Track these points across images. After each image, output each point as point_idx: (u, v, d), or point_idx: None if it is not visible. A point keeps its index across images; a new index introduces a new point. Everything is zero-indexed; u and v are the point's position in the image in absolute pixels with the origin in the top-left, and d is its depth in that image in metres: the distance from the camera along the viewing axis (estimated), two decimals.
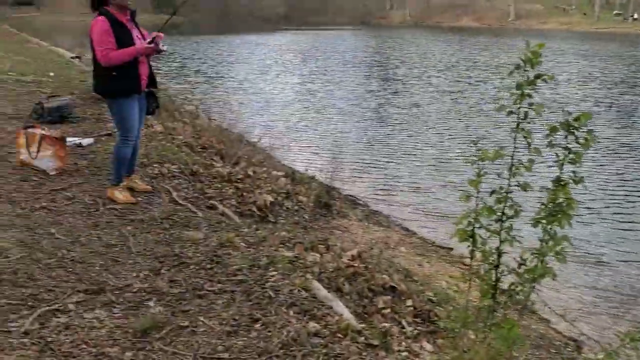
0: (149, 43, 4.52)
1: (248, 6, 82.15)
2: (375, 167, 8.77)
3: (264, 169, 7.08)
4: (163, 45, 4.60)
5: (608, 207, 7.40)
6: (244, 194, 5.94)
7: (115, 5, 4.42)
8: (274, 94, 15.72)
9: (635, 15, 72.93)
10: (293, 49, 33.96)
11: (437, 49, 34.14)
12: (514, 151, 2.67)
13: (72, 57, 14.19)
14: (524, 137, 2.62)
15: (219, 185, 5.96)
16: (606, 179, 8.43)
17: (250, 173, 6.53)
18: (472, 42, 41.80)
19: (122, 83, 4.44)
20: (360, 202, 7.04)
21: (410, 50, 32.90)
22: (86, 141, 6.36)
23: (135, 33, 4.55)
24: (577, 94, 16.39)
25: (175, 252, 3.82)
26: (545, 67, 2.60)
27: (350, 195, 7.23)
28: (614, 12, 76.00)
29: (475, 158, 2.71)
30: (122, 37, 4.37)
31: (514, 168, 2.67)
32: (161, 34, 4.57)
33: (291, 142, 9.53)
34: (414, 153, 9.69)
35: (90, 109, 8.17)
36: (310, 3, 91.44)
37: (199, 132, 8.19)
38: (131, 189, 4.98)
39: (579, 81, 19.21)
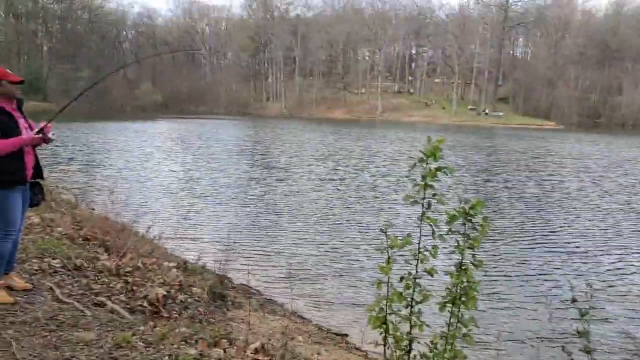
0: (37, 133, 4.34)
1: (123, 93, 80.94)
2: (265, 255, 8.74)
3: (154, 260, 6.79)
4: (53, 134, 4.43)
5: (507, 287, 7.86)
6: (134, 288, 5.63)
7: (2, 94, 4.23)
8: (158, 181, 15.36)
9: (487, 110, 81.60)
10: (174, 136, 33.81)
11: (314, 139, 35.60)
12: (420, 238, 2.83)
13: None
14: (430, 224, 2.79)
15: (106, 280, 5.62)
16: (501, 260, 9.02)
17: (140, 265, 6.24)
18: (346, 132, 44.18)
19: (5, 174, 4.16)
20: (254, 291, 6.93)
21: (289, 140, 34.03)
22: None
23: (22, 123, 4.34)
24: (447, 181, 17.69)
25: (66, 357, 3.50)
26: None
27: (244, 284, 7.09)
28: (469, 107, 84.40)
29: (384, 245, 2.83)
30: (9, 128, 4.17)
31: (420, 255, 2.82)
32: (49, 125, 4.40)
33: (179, 231, 9.26)
34: (304, 240, 9.81)
35: None
36: (188, 92, 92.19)
37: (79, 223, 7.75)
38: (9, 288, 4.55)
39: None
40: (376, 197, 14.05)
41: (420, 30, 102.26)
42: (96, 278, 5.60)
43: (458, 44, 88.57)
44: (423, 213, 2.81)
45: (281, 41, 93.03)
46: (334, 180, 16.93)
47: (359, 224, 11.06)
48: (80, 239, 6.76)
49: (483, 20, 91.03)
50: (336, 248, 9.43)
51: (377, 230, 10.01)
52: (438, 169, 2.77)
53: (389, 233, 2.83)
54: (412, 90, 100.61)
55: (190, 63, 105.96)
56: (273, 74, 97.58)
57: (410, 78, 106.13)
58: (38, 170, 4.54)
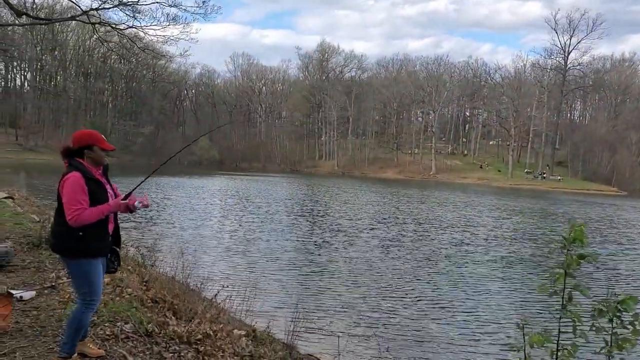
0: (123, 199, 4.21)
1: (181, 148, 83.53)
2: (335, 324, 8.33)
3: (222, 325, 6.55)
4: (139, 203, 4.27)
5: None
6: (205, 357, 5.39)
7: (90, 159, 4.14)
8: (220, 241, 15.18)
9: (545, 174, 79.69)
10: (232, 193, 34.19)
11: (372, 199, 35.31)
12: (559, 336, 2.49)
13: (3, 198, 13.39)
14: (573, 320, 2.45)
15: (177, 348, 5.40)
16: None
17: (210, 332, 6.02)
18: (403, 193, 43.69)
19: (89, 244, 4.02)
20: None
21: (348, 199, 33.78)
22: (28, 294, 5.73)
23: (108, 189, 4.25)
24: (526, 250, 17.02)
25: None
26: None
27: (311, 355, 6.73)
28: (525, 170, 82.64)
29: (519, 345, 2.49)
30: (97, 195, 4.05)
31: (559, 354, 2.47)
32: (145, 199, 4.31)
33: (244, 294, 9.01)
34: (375, 311, 9.32)
35: (28, 256, 7.52)
36: (243, 149, 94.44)
37: (146, 283, 7.63)
38: (83, 355, 4.38)
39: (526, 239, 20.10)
40: (451, 270, 13.33)
41: (475, 92, 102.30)
42: (167, 345, 5.38)
43: (514, 107, 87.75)
44: (563, 306, 2.47)
45: (335, 101, 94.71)
46: (401, 246, 16.41)
47: (439, 300, 10.38)
48: (149, 301, 6.60)
49: (539, 84, 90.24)
50: (419, 325, 8.82)
51: (456, 304, 9.58)
52: (582, 256, 2.45)
53: (527, 329, 2.49)
54: (465, 152, 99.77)
55: (247, 121, 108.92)
56: (326, 133, 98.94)
57: (464, 140, 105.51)
58: (117, 238, 4.41)
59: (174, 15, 15.93)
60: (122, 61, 78.36)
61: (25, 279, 6.46)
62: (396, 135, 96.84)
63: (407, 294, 10.41)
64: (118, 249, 4.44)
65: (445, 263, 13.76)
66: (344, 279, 11.42)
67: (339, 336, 7.54)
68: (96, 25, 15.44)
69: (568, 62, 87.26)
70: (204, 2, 16.43)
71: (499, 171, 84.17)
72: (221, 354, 5.59)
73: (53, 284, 6.21)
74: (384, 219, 23.49)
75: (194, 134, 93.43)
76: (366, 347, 7.54)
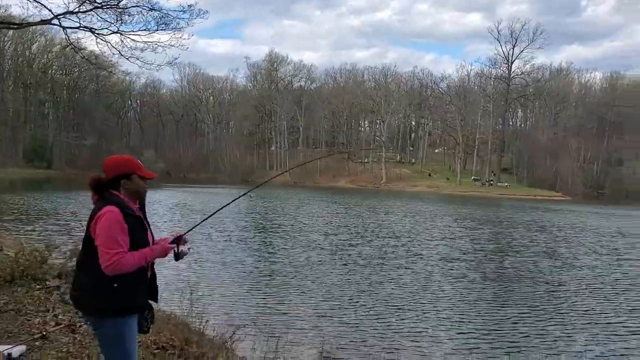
0: (172, 242, 3.46)
1: None
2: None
3: None
4: (188, 248, 3.56)
5: None
6: None
7: (128, 190, 3.38)
8: (203, 267, 13.94)
9: (492, 181, 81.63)
10: (196, 208, 32.77)
11: (333, 210, 34.92)
12: None
13: None
14: None
15: None
16: None
17: None
18: (355, 202, 43.52)
19: (125, 298, 3.24)
20: None
21: (313, 212, 33.22)
22: (17, 350, 4.83)
23: (148, 229, 3.48)
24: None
25: None
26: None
27: None
28: (472, 177, 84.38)
29: None
30: (138, 236, 3.29)
31: None
32: (184, 238, 3.56)
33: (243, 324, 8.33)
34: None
35: (2, 296, 6.53)
36: (191, 160, 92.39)
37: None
38: None
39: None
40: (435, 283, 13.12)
41: (422, 102, 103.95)
42: None
43: (461, 115, 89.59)
44: None
45: (285, 111, 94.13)
46: (373, 261, 16.01)
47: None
48: (154, 347, 5.79)
49: (484, 92, 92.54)
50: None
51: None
52: None
53: None
54: (413, 161, 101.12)
55: (194, 131, 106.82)
56: (277, 143, 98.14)
57: (411, 148, 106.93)
58: (153, 288, 3.59)
59: (162, 19, 14.74)
60: (64, 73, 75.24)
61: (7, 327, 5.54)
62: (347, 145, 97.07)
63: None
64: (153, 304, 3.62)
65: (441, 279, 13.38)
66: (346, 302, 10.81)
67: None
68: (68, 31, 14.12)
69: (511, 71, 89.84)
70: (190, 6, 15.49)
71: (448, 179, 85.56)
72: None
73: (43, 332, 5.32)
74: (358, 232, 22.99)
75: (139, 144, 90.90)
76: None
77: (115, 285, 3.17)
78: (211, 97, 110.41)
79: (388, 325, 9.21)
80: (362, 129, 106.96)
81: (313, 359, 6.98)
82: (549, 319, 10.02)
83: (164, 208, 31.30)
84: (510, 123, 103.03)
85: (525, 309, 10.68)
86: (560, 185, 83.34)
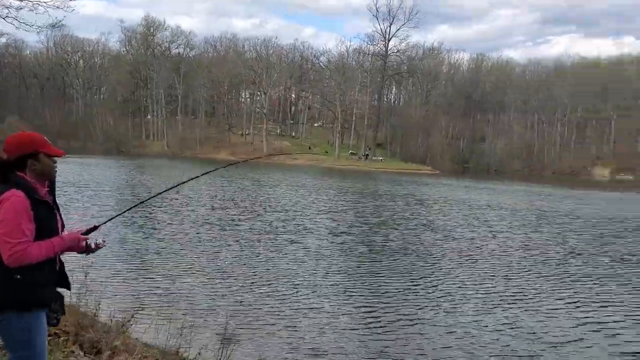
0: (85, 233, 3.21)
1: None
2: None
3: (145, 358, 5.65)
4: (103, 240, 3.29)
5: None
6: None
7: (35, 172, 3.04)
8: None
9: (368, 155, 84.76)
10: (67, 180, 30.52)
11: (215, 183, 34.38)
12: None
13: None
14: None
15: None
16: None
17: None
18: (238, 174, 43.22)
19: (32, 291, 2.94)
20: None
21: (189, 184, 32.34)
22: None
23: (58, 216, 3.17)
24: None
25: None
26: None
27: None
28: (350, 151, 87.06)
29: None
30: (46, 224, 2.98)
31: None
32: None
33: (142, 307, 7.99)
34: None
35: None
36: (59, 127, 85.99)
37: None
38: None
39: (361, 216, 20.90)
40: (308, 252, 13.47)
41: (302, 75, 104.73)
42: None
43: (340, 90, 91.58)
44: None
45: (162, 78, 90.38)
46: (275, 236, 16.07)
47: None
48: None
49: (362, 68, 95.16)
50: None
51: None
52: None
53: None
54: (294, 134, 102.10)
55: (61, 96, 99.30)
56: (154, 112, 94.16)
57: (292, 122, 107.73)
58: (63, 278, 3.27)
59: None
60: None
61: None
62: (228, 116, 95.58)
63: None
64: (63, 294, 3.28)
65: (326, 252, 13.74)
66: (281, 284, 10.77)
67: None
68: None
69: (388, 49, 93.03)
70: None
71: (326, 152, 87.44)
72: None
73: None
74: (245, 206, 22.86)
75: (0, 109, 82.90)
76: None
77: (19, 277, 2.86)
78: (81, 61, 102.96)
79: (284, 302, 9.34)
80: (243, 100, 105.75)
81: (214, 341, 6.88)
82: (436, 288, 10.75)
83: None
84: (386, 99, 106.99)
85: (413, 280, 11.34)
86: (430, 160, 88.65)
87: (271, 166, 66.65)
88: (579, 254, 15.48)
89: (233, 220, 18.66)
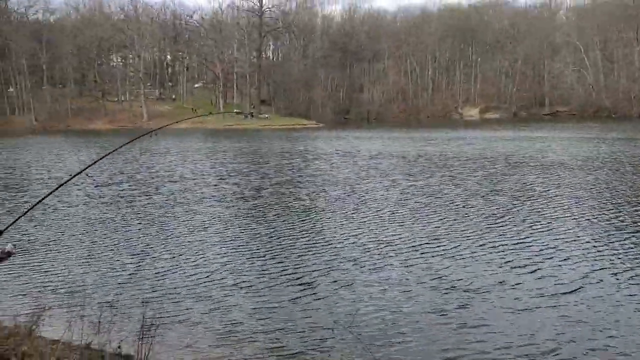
0: None
1: None
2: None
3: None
4: (9, 245, 3.44)
5: None
6: None
7: None
8: None
9: (253, 113, 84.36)
10: None
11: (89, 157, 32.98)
12: None
13: None
14: None
15: None
16: None
17: None
18: (119, 144, 41.58)
19: None
20: None
21: (71, 162, 30.88)
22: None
23: None
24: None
25: None
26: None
27: None
28: (234, 110, 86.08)
29: None
30: None
31: None
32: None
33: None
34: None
35: None
36: None
37: None
38: None
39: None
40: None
41: (177, 35, 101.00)
42: None
43: (218, 49, 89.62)
44: None
45: (22, 47, 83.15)
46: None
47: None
48: None
49: (238, 25, 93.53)
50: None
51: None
52: None
53: None
54: (174, 97, 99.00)
55: None
56: (17, 84, 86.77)
57: (170, 84, 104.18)
58: None
59: None
60: None
61: None
62: (100, 83, 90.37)
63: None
64: None
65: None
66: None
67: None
68: None
69: (263, 4, 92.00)
70: None
71: (210, 113, 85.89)
72: None
73: None
74: (139, 179, 22.33)
75: None
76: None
77: None
78: None
79: (200, 280, 9.33)
80: (115, 64, 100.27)
81: (134, 333, 6.53)
82: (351, 243, 11.35)
83: None
84: (265, 56, 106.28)
85: (327, 237, 11.85)
86: (313, 113, 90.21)
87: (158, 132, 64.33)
88: (477, 195, 16.76)
89: (128, 195, 18.25)
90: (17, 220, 3.67)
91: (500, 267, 9.59)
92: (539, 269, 9.40)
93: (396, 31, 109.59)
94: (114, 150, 4.36)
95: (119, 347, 5.90)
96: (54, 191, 4.06)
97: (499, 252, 10.53)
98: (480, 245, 11.00)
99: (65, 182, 4.23)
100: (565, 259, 9.93)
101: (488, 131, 52.50)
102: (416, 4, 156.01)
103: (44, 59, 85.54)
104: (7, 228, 3.30)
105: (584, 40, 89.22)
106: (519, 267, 9.59)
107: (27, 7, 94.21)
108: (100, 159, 4.02)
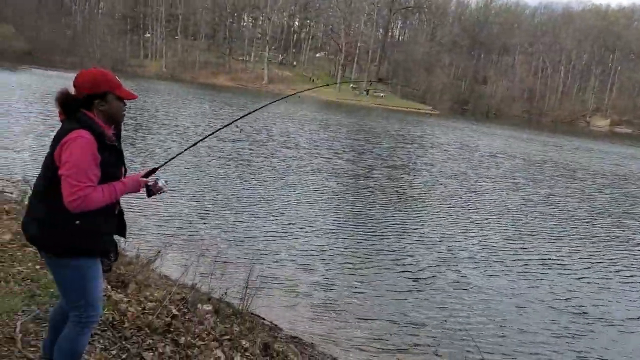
0: (145, 175, 3.09)
1: None
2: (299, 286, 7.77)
3: (171, 293, 5.66)
4: (166, 182, 3.16)
5: None
6: (186, 351, 4.63)
7: (103, 114, 2.85)
8: None
9: (369, 90, 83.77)
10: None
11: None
12: None
13: None
14: None
15: (151, 341, 4.56)
16: None
17: (176, 312, 5.18)
18: (242, 103, 42.74)
19: (90, 238, 2.84)
20: (306, 343, 6.00)
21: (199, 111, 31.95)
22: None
23: (123, 161, 3.03)
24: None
25: None
26: None
27: (294, 336, 6.10)
28: (351, 85, 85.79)
29: None
30: (110, 169, 2.83)
31: None
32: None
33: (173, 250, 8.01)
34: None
35: None
36: (56, 40, 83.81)
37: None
38: None
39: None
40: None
41: (307, 3, 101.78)
42: (139, 340, 4.51)
43: (345, 22, 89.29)
44: None
45: None
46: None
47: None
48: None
49: (370, 1, 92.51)
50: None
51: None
52: None
53: None
54: (295, 63, 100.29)
55: (59, 8, 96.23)
56: (153, 31, 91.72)
57: (294, 50, 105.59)
58: (121, 225, 3.15)
59: None
60: None
61: None
62: (229, 40, 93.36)
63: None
64: (118, 241, 3.21)
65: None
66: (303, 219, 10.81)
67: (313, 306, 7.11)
68: None
69: None
70: None
71: (327, 85, 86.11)
72: (200, 342, 4.87)
73: None
74: (263, 141, 22.61)
75: None
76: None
77: (78, 222, 2.74)
78: None
79: (304, 248, 9.23)
80: (245, 24, 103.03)
81: (240, 284, 6.77)
82: (456, 242, 10.79)
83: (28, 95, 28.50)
84: (390, 34, 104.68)
85: (430, 231, 11.37)
86: (430, 99, 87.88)
87: (271, 96, 65.78)
88: (607, 215, 15.29)
89: (251, 156, 18.11)
90: (171, 159, 3.59)
91: (626, 296, 8.62)
92: None
93: (532, 27, 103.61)
94: (254, 111, 4.32)
95: (225, 293, 5.99)
96: (206, 138, 4.06)
97: (626, 280, 9.48)
98: (606, 270, 9.97)
99: (215, 132, 4.24)
100: None
101: (620, 146, 48.40)
102: (559, 1, 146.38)
103: (180, 9, 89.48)
104: (162, 165, 3.28)
105: None
106: None
107: None
108: (243, 116, 3.92)
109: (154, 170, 3.15)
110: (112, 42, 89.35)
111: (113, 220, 3.01)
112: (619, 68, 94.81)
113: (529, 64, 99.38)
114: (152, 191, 3.12)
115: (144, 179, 3.05)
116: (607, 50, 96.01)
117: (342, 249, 9.35)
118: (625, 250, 11.52)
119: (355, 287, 7.71)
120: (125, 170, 3.06)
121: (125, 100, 2.93)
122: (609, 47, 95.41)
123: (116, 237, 3.14)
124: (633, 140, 63.77)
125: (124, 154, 3.04)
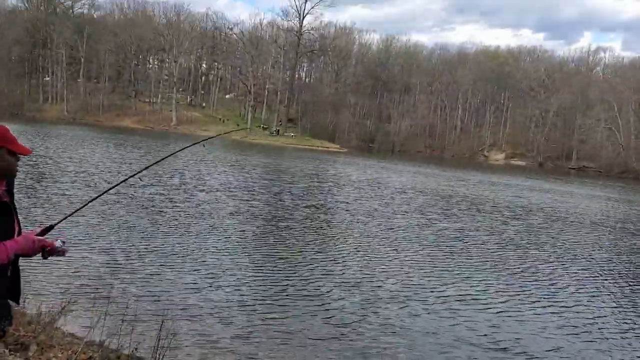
0: (40, 233, 2.92)
1: None
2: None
3: (76, 353, 5.62)
4: (64, 243, 2.99)
5: None
6: None
7: None
8: None
9: (279, 130, 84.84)
10: None
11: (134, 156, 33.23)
12: None
13: None
14: None
15: None
16: None
17: None
18: (152, 145, 42.08)
19: None
20: None
21: (104, 156, 31.11)
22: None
23: (15, 217, 2.86)
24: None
25: None
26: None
27: None
28: (262, 126, 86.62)
29: None
30: (1, 226, 2.71)
31: None
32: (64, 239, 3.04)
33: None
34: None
35: None
36: None
37: None
38: None
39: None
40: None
41: (215, 45, 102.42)
42: None
43: (253, 64, 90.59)
44: None
45: (64, 39, 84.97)
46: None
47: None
48: None
49: (276, 43, 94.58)
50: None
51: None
52: None
53: None
54: (204, 105, 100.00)
55: None
56: (54, 74, 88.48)
57: (202, 92, 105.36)
58: (15, 288, 2.96)
59: None
60: None
61: None
62: (134, 82, 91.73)
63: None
64: (12, 305, 3.03)
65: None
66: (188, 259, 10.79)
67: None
68: None
69: (302, 26, 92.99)
70: None
71: (237, 125, 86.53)
72: None
73: None
74: (171, 184, 22.48)
75: None
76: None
77: None
78: None
79: (218, 292, 9.36)
80: (151, 66, 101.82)
81: (152, 335, 6.33)
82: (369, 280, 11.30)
83: None
84: (297, 76, 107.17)
85: (346, 271, 11.89)
86: (339, 138, 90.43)
87: (181, 137, 64.90)
88: (516, 247, 16.00)
89: (163, 202, 17.78)
90: (71, 214, 3.45)
91: (543, 327, 9.10)
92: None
93: (431, 67, 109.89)
94: (169, 155, 4.48)
95: (136, 349, 5.82)
96: (112, 188, 4.06)
97: (543, 312, 9.98)
98: (521, 303, 10.34)
99: (125, 180, 4.21)
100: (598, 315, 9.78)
101: (518, 178, 51.56)
102: (454, 43, 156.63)
103: (82, 52, 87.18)
104: (59, 222, 3.13)
105: (619, 99, 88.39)
106: (552, 318, 9.41)
107: (73, 1, 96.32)
108: (158, 162, 4.05)
109: (50, 228, 3.02)
110: (9, 85, 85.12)
111: (4, 282, 2.80)
112: (511, 105, 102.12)
113: (429, 102, 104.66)
114: (48, 252, 2.91)
115: (39, 237, 2.88)
116: (499, 88, 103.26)
117: (263, 298, 9.18)
118: (536, 281, 12.10)
119: (278, 338, 7.59)
120: (20, 229, 2.90)
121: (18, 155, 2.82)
122: (501, 86, 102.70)
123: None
124: (527, 172, 68.39)
125: (18, 210, 2.92)
